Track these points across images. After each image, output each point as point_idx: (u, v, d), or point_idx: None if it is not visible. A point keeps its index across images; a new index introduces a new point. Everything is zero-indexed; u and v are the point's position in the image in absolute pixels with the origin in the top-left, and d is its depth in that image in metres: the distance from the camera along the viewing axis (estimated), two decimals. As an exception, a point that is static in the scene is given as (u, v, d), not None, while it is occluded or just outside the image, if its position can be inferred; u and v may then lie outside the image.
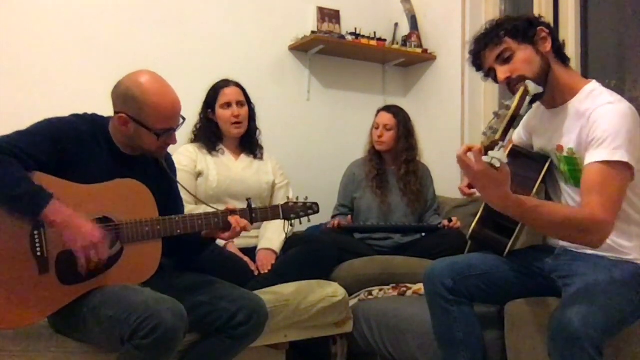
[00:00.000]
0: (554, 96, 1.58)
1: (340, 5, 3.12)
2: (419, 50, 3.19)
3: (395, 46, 3.21)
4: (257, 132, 2.47)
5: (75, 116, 1.61)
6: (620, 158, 1.38)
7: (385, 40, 3.16)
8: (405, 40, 3.23)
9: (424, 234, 2.57)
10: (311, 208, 1.81)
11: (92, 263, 1.45)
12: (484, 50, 1.58)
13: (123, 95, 1.55)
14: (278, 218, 1.76)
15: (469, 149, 1.28)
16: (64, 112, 1.62)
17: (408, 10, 3.28)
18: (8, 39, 2.37)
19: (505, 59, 1.54)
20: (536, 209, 1.37)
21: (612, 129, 1.40)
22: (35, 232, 1.43)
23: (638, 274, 1.48)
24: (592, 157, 1.42)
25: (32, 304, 1.43)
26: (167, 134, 1.60)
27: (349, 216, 2.65)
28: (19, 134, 1.48)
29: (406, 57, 3.23)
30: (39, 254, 1.44)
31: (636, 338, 1.50)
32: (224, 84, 2.39)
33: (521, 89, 1.32)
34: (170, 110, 1.57)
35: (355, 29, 3.09)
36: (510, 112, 1.26)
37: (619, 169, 1.39)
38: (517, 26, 1.54)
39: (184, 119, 1.63)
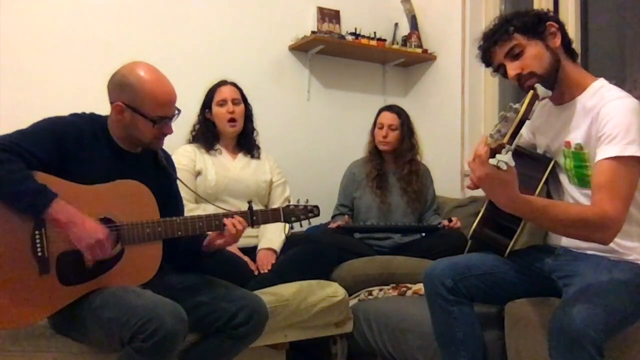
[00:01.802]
0: (562, 92, 1.58)
1: (340, 5, 3.12)
2: (419, 50, 3.19)
3: (395, 46, 3.21)
4: (255, 132, 2.48)
5: (75, 115, 1.61)
6: (632, 153, 1.38)
7: (385, 40, 3.16)
8: (405, 40, 3.23)
9: (424, 234, 2.57)
10: (312, 211, 1.80)
11: (97, 259, 1.45)
12: (494, 47, 1.57)
13: (119, 83, 1.56)
14: (279, 221, 1.76)
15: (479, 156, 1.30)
16: (64, 112, 1.62)
17: (408, 10, 3.28)
18: (8, 39, 2.37)
19: (515, 55, 1.54)
20: (545, 209, 1.38)
21: (623, 124, 1.40)
22: (36, 233, 1.43)
23: (639, 274, 1.47)
24: (603, 153, 1.42)
25: (33, 305, 1.43)
26: (163, 122, 1.59)
27: (346, 216, 2.65)
28: (20, 133, 1.48)
29: (406, 57, 3.23)
30: (39, 254, 1.44)
31: (637, 338, 1.50)
32: (221, 83, 2.42)
33: (530, 93, 1.32)
34: (165, 97, 1.57)
35: (355, 29, 3.09)
36: (519, 115, 1.25)
37: (630, 164, 1.39)
38: (527, 22, 1.54)
39: (179, 110, 1.62)
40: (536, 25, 1.54)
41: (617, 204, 1.37)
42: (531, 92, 1.34)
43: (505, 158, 1.23)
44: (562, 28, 1.56)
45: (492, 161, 1.25)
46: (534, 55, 1.52)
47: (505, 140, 1.23)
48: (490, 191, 1.35)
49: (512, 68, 1.54)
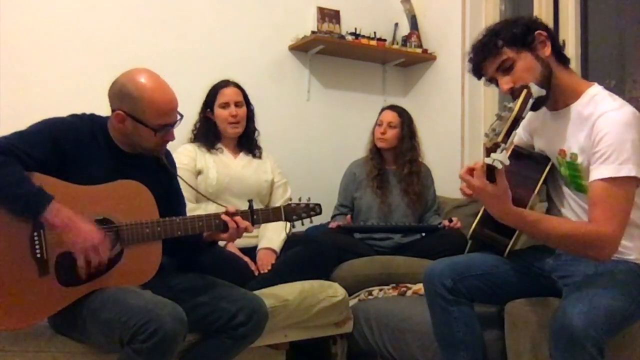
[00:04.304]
0: (556, 98, 1.56)
1: (340, 5, 3.12)
2: (419, 50, 3.19)
3: (395, 46, 3.21)
4: (256, 133, 2.48)
5: (74, 116, 1.61)
6: (627, 173, 1.37)
7: (385, 40, 3.16)
8: (405, 40, 3.23)
9: (424, 234, 2.57)
10: (314, 209, 1.78)
11: (92, 265, 1.45)
12: (484, 62, 1.56)
13: (119, 92, 1.55)
14: (280, 219, 1.73)
15: (471, 170, 1.35)
16: (64, 112, 1.62)
17: (408, 10, 3.28)
18: (8, 39, 2.37)
19: (506, 69, 1.52)
20: (535, 224, 1.41)
21: (616, 142, 1.39)
22: (35, 234, 1.43)
23: (639, 274, 1.47)
24: (597, 173, 1.41)
25: (32, 306, 1.43)
26: (165, 130, 1.59)
27: (348, 216, 2.65)
28: (18, 135, 1.48)
29: (406, 57, 3.24)
30: (38, 255, 1.43)
31: (637, 338, 1.50)
32: (224, 84, 2.40)
33: (524, 92, 1.32)
34: (166, 106, 1.57)
35: (355, 29, 3.09)
36: (513, 114, 1.26)
37: (625, 183, 1.38)
38: (515, 34, 1.51)
39: (181, 115, 1.62)
40: (525, 36, 1.51)
41: (613, 220, 1.37)
42: (525, 90, 1.34)
43: (499, 157, 1.24)
44: (551, 35, 1.54)
45: (487, 160, 1.26)
46: (525, 68, 1.50)
47: (500, 139, 1.24)
48: (483, 203, 1.42)
49: (504, 82, 1.52)
